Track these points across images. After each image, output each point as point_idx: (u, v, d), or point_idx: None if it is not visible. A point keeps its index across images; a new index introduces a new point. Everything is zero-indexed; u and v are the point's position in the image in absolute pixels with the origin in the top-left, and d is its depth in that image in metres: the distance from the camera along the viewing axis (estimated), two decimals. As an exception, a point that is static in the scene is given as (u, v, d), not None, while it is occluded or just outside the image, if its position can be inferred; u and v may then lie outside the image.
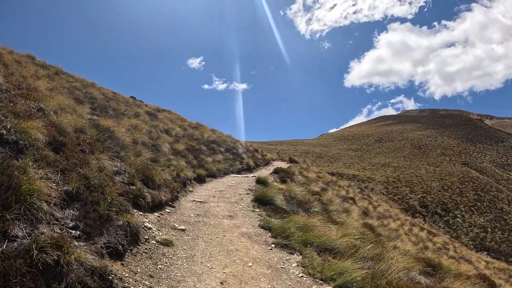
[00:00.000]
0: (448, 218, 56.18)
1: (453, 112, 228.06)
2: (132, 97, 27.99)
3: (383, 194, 62.90)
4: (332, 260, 6.95)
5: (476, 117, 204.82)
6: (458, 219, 56.00)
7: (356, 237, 9.48)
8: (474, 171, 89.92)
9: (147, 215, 7.79)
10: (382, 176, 76.81)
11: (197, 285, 5.29)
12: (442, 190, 69.12)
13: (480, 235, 50.72)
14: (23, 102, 8.12)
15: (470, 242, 47.45)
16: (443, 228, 52.03)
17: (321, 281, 6.14)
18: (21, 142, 5.91)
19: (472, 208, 60.60)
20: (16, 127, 6.06)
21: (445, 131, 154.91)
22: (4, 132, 5.69)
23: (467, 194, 67.67)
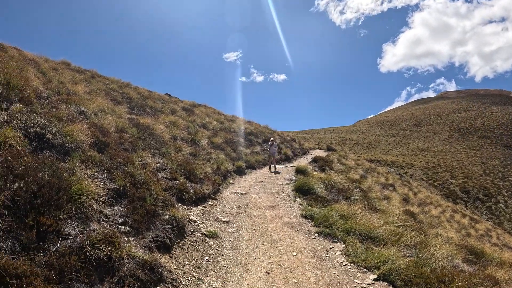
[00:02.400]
0: (490, 203, 53.57)
1: (492, 92, 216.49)
2: (167, 94, 28.47)
3: (423, 180, 60.93)
4: (375, 248, 6.85)
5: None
6: (500, 204, 53.34)
7: (398, 224, 9.31)
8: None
9: (191, 209, 7.94)
10: (421, 161, 74.44)
11: (243, 275, 5.33)
12: (483, 175, 66.09)
13: (524, 222, 48.29)
14: (64, 106, 8.44)
15: (514, 229, 45.22)
16: (485, 215, 49.67)
17: (365, 269, 6.04)
18: (67, 144, 6.14)
19: (515, 193, 57.71)
20: (61, 131, 6.29)
21: (485, 112, 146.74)
22: (50, 136, 5.92)
23: (510, 178, 64.42)
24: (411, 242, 7.67)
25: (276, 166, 17.65)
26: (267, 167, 17.80)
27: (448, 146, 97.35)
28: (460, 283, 5.41)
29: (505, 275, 7.55)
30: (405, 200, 20.07)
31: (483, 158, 79.33)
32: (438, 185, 59.79)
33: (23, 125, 5.74)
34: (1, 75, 7.17)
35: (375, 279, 5.62)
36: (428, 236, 9.53)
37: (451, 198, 53.05)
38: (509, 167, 71.01)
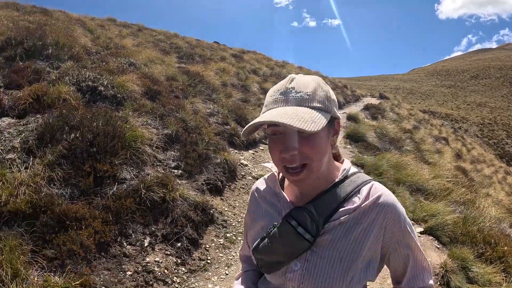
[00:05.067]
0: (547, 170, 49.52)
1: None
2: (215, 42, 28.22)
3: (478, 137, 56.94)
4: (424, 201, 6.63)
5: None
6: (558, 172, 49.05)
7: (449, 179, 8.92)
8: None
9: (242, 153, 8.05)
10: (477, 116, 69.44)
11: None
12: (542, 138, 60.86)
13: None
14: (114, 60, 8.66)
15: None
16: (540, 181, 46.00)
17: (412, 221, 5.92)
18: (119, 95, 6.34)
19: None
20: (112, 83, 6.50)
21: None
22: (102, 88, 6.14)
23: None
24: (460, 199, 7.41)
25: None
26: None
27: (506, 103, 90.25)
28: (506, 248, 5.14)
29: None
30: (458, 155, 19.09)
31: (545, 120, 72.77)
32: (492, 143, 55.97)
33: (75, 80, 5.98)
34: (49, 37, 7.43)
35: (421, 232, 5.47)
36: (478, 195, 9.13)
37: (505, 159, 49.55)
38: None
